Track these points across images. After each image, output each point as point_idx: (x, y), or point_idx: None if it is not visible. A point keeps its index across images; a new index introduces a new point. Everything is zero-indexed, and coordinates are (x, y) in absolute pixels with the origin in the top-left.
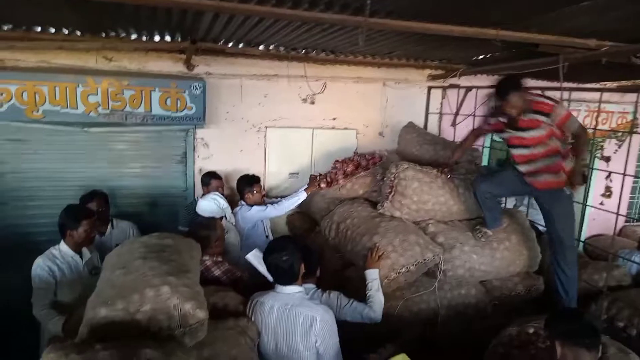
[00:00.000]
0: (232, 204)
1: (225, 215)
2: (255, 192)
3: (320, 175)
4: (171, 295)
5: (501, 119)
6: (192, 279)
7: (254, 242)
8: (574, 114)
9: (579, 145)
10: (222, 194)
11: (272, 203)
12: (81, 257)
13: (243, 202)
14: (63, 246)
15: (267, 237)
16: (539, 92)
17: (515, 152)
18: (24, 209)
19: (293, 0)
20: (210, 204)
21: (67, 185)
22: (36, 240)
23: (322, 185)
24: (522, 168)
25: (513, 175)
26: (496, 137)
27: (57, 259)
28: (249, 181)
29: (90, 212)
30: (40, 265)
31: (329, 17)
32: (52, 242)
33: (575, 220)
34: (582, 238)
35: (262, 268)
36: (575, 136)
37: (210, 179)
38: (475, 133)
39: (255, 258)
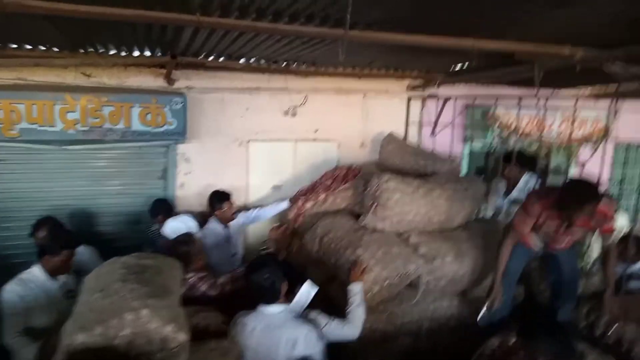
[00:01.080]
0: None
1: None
2: (224, 208)
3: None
4: (151, 319)
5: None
6: (173, 300)
7: (216, 260)
8: (549, 120)
9: (609, 264)
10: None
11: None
12: (56, 280)
13: (213, 219)
14: (37, 269)
15: (233, 255)
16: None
17: (554, 238)
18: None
19: (273, 14)
20: (177, 224)
21: (46, 205)
22: (12, 263)
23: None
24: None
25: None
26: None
27: (29, 283)
28: (219, 197)
29: (73, 242)
30: (9, 291)
31: (309, 31)
32: (29, 264)
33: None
34: None
35: (302, 300)
36: (606, 250)
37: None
38: (512, 243)
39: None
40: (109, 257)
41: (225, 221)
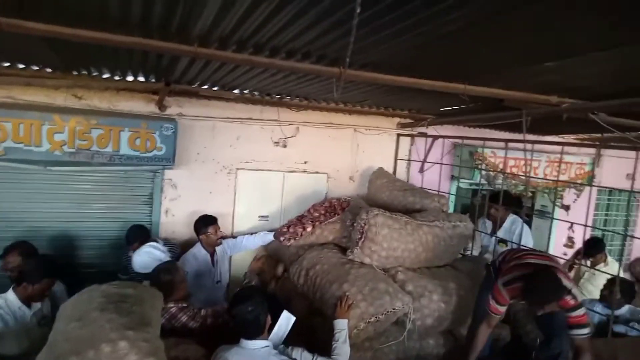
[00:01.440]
0: None
1: None
2: (209, 233)
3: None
4: (129, 351)
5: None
6: (152, 332)
7: (199, 286)
8: (535, 164)
9: None
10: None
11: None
12: (29, 307)
13: (198, 243)
14: (11, 295)
15: (218, 282)
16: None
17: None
18: None
19: (271, 49)
20: (144, 259)
21: (26, 227)
22: None
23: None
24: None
25: None
26: (463, 185)
27: (1, 309)
28: (205, 221)
29: (56, 272)
30: None
31: (307, 67)
32: (7, 287)
33: None
34: None
35: (281, 330)
36: (578, 348)
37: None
38: (487, 328)
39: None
40: (89, 281)
41: (210, 246)
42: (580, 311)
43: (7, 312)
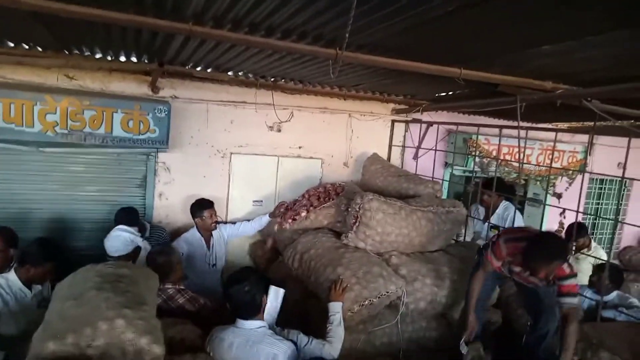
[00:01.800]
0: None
1: (139, 246)
2: (204, 217)
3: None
4: (126, 329)
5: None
6: (149, 311)
7: (194, 269)
8: (528, 151)
9: (569, 332)
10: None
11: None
12: (30, 289)
13: (194, 227)
14: (12, 275)
15: (213, 265)
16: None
17: (519, 282)
18: None
19: (266, 29)
20: (113, 243)
21: (18, 208)
22: None
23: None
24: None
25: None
26: (457, 171)
27: (1, 289)
28: (200, 205)
29: (60, 256)
30: None
31: (303, 48)
32: None
33: None
34: None
35: (273, 305)
36: (564, 315)
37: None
38: (481, 276)
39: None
40: (80, 264)
41: (205, 230)
42: (573, 281)
43: (7, 292)
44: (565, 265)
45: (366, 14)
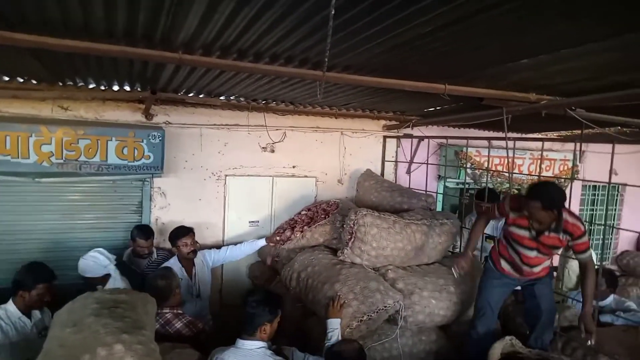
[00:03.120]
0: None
1: (110, 273)
2: (179, 245)
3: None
4: (125, 354)
5: (523, 219)
6: (147, 335)
7: None
8: (519, 161)
9: (587, 282)
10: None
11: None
12: (30, 317)
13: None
14: (10, 306)
15: (197, 296)
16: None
17: (524, 251)
18: None
19: (254, 54)
20: (88, 262)
21: (16, 239)
22: None
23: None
24: (518, 268)
25: (493, 282)
26: (450, 184)
27: (1, 320)
28: (175, 234)
29: (49, 276)
30: None
31: (289, 71)
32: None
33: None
34: None
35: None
36: (582, 267)
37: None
38: (484, 221)
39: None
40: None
41: (183, 259)
42: (585, 238)
43: (7, 322)
44: (580, 224)
45: (348, 37)
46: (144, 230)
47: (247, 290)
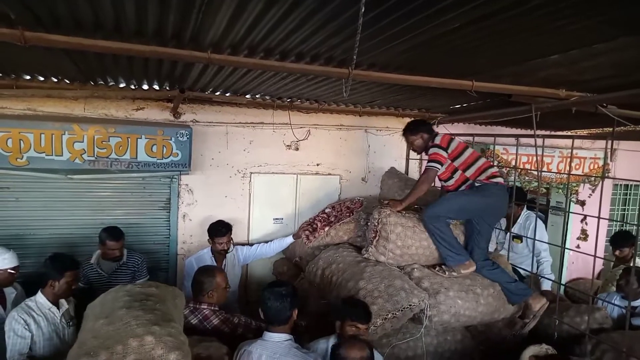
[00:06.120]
0: None
1: None
2: (215, 242)
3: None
4: (155, 345)
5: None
6: (177, 328)
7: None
8: (548, 160)
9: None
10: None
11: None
12: (58, 308)
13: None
14: (40, 297)
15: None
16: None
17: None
18: None
19: (280, 52)
20: None
21: (49, 234)
22: None
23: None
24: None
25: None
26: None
27: (33, 311)
28: (211, 232)
29: (75, 264)
30: (15, 319)
31: (316, 69)
32: (32, 293)
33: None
34: (563, 281)
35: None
36: None
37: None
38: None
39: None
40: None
41: (216, 252)
42: (432, 150)
43: (38, 313)
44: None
45: (374, 35)
46: (114, 232)
47: (268, 284)
